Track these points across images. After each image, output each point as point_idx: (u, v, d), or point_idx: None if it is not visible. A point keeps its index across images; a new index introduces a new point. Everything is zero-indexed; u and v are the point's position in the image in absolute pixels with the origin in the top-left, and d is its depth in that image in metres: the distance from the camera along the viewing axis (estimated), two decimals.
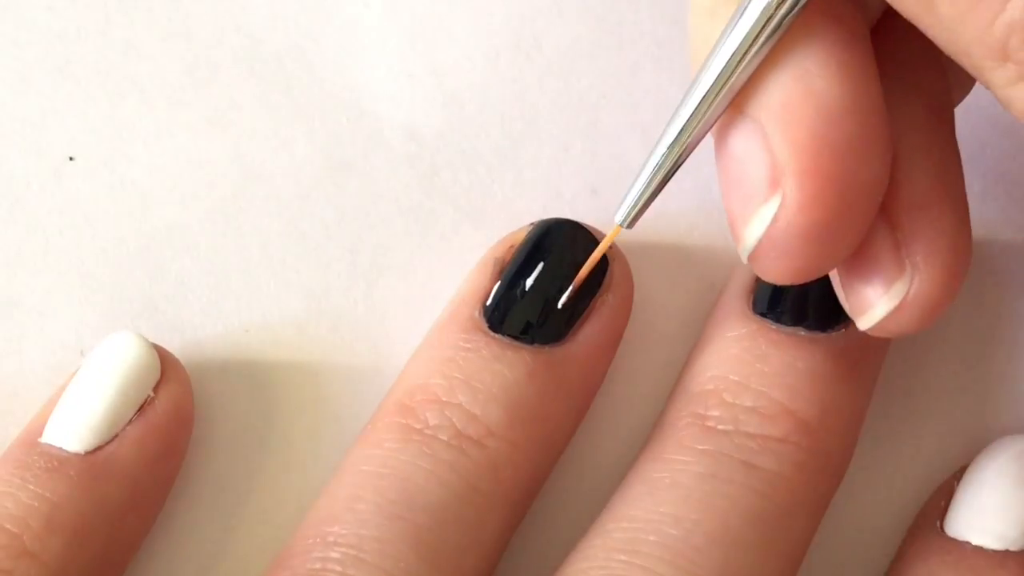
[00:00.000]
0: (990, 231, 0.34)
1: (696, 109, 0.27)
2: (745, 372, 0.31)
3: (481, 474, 0.30)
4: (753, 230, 0.27)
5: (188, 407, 0.31)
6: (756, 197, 0.27)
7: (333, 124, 0.34)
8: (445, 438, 0.30)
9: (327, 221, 0.33)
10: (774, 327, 0.31)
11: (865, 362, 0.31)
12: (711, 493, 0.29)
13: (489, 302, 0.31)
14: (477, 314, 0.31)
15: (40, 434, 0.30)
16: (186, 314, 0.33)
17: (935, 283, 0.28)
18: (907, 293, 0.28)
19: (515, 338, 0.31)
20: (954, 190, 0.28)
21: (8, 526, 0.29)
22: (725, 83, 0.26)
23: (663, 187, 0.28)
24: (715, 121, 0.27)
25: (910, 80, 0.29)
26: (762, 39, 0.26)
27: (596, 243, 0.31)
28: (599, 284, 0.31)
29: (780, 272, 0.28)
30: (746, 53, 0.26)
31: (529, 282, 0.31)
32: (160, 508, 0.32)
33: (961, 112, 0.30)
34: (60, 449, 0.30)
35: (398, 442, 0.30)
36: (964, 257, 0.28)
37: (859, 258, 0.28)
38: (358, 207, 0.34)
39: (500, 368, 0.30)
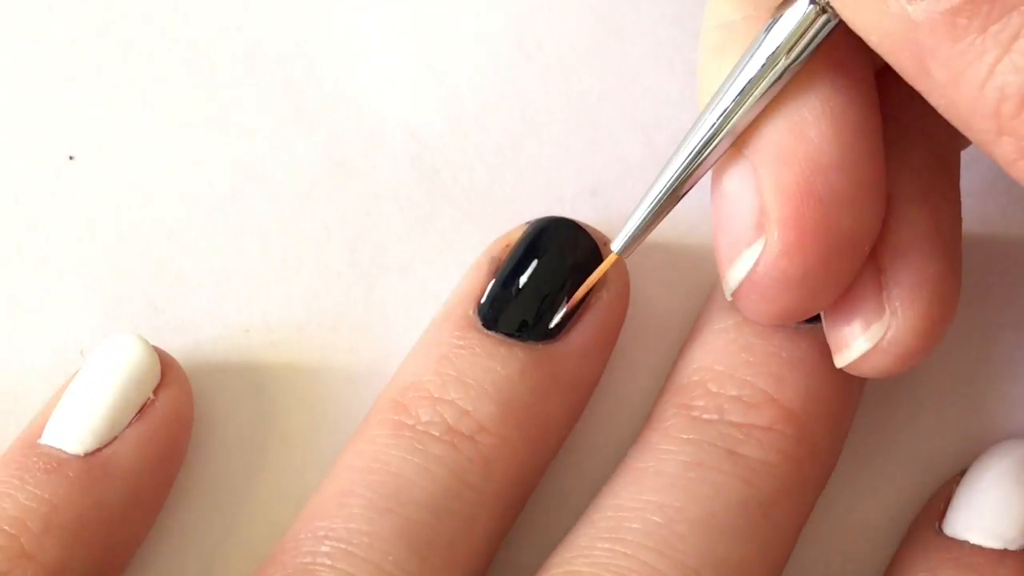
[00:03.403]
0: (990, 231, 0.34)
1: (698, 147, 0.27)
2: (730, 362, 0.31)
3: (472, 469, 0.29)
4: (736, 271, 0.27)
5: (188, 410, 0.31)
6: (742, 238, 0.27)
7: (333, 123, 0.34)
8: (437, 433, 0.30)
9: (327, 221, 0.33)
10: None
11: None
12: (695, 481, 0.29)
13: (484, 300, 0.31)
14: (472, 312, 0.31)
15: (39, 435, 0.30)
16: (186, 314, 0.33)
17: (913, 330, 0.28)
18: (883, 336, 0.28)
19: (509, 336, 0.31)
20: (947, 239, 0.28)
21: (6, 527, 0.29)
22: (727, 124, 0.27)
23: (661, 219, 0.29)
24: (716, 160, 0.27)
25: (915, 124, 0.28)
26: (765, 84, 0.26)
27: (592, 242, 0.31)
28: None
29: (761, 314, 0.28)
30: (749, 97, 0.26)
31: (524, 280, 0.31)
32: (159, 510, 0.32)
33: None
34: (59, 451, 0.30)
35: (389, 437, 0.30)
36: (948, 307, 0.28)
37: (841, 295, 0.28)
38: (358, 207, 0.34)
39: (493, 365, 0.30)
